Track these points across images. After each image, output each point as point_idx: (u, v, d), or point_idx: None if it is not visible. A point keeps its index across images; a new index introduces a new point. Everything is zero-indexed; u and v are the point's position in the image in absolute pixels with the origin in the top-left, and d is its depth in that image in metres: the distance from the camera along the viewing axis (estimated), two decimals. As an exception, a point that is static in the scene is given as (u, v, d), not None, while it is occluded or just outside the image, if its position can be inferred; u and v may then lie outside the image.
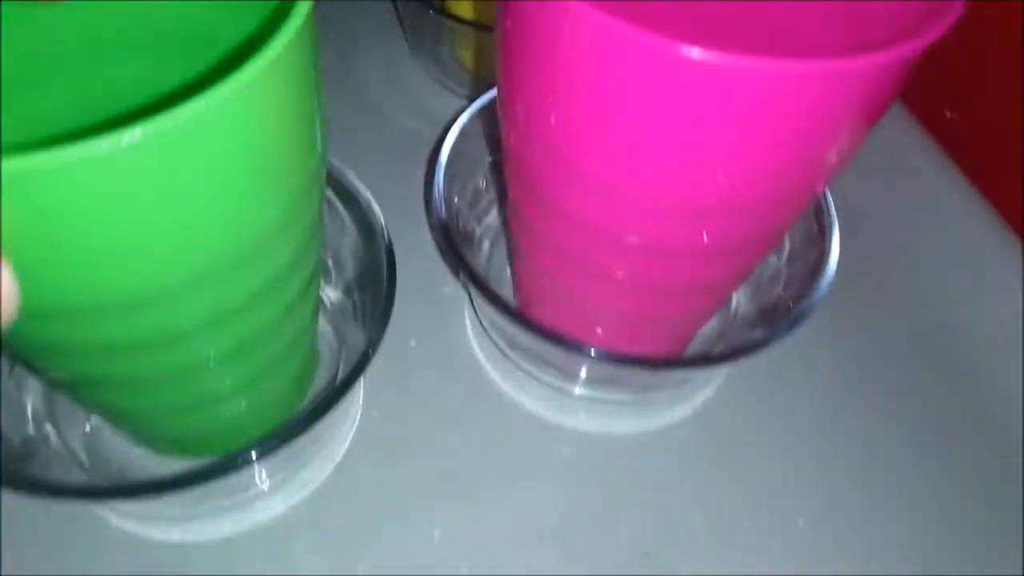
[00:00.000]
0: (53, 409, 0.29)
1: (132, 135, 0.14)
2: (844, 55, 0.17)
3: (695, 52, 0.17)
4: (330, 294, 0.32)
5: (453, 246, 0.28)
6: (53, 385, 0.29)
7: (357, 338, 0.29)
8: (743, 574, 0.29)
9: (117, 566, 0.28)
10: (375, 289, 0.28)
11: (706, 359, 0.28)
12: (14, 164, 0.13)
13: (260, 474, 0.29)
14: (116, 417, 0.27)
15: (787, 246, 0.32)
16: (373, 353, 0.26)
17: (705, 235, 0.23)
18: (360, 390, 0.32)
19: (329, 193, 0.29)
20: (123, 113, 0.24)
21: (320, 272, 0.26)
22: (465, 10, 0.39)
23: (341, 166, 0.28)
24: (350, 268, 0.31)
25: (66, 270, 0.17)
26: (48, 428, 0.29)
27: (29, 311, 0.16)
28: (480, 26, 0.37)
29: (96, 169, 0.14)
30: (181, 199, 0.16)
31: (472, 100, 0.32)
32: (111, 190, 0.15)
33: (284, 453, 0.28)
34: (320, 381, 0.31)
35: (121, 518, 0.29)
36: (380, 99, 0.44)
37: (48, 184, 0.14)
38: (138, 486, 0.24)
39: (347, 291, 0.31)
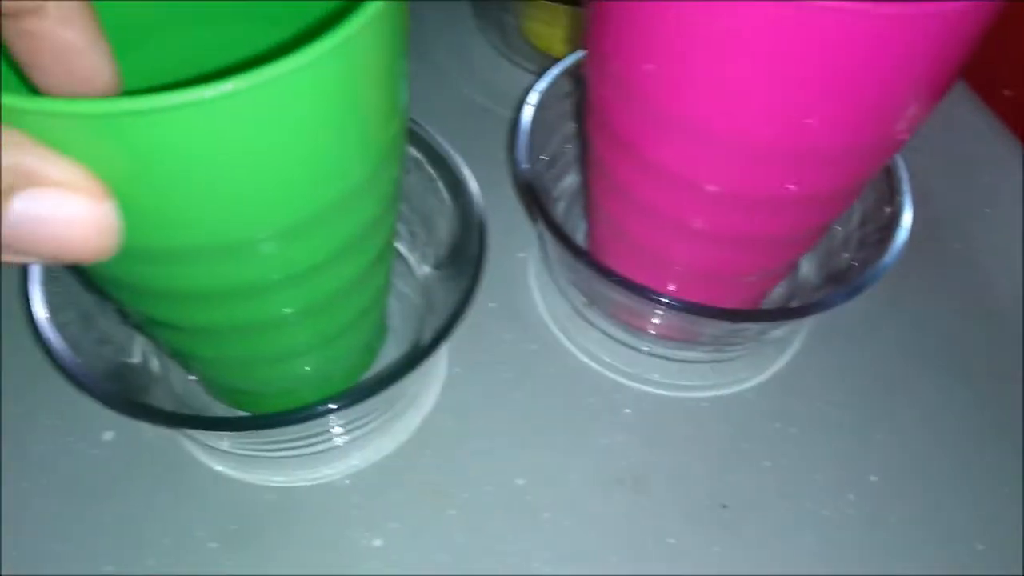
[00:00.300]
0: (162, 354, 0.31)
1: (235, 84, 0.15)
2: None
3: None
4: (418, 263, 0.34)
5: (537, 199, 0.30)
6: (135, 324, 0.30)
7: (445, 303, 0.30)
8: (819, 526, 0.30)
9: (217, 509, 0.30)
10: (464, 258, 0.29)
11: (782, 312, 0.29)
12: (122, 106, 0.14)
13: (354, 423, 0.30)
14: (188, 360, 0.29)
15: (856, 213, 0.33)
16: (462, 315, 0.27)
17: (788, 184, 0.24)
18: (444, 349, 0.34)
19: (424, 161, 0.30)
20: (217, 71, 0.25)
21: (393, 242, 0.27)
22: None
23: (441, 140, 0.30)
24: (440, 237, 0.32)
25: (162, 213, 0.17)
26: (156, 367, 0.30)
27: (125, 251, 0.17)
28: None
29: (198, 115, 0.15)
30: (277, 150, 0.17)
31: (538, 72, 0.33)
32: (211, 137, 0.16)
33: (377, 405, 0.30)
34: (391, 352, 0.33)
35: (222, 463, 0.30)
36: (443, 69, 0.45)
37: (153, 127, 0.15)
38: (228, 421, 0.26)
39: (436, 261, 0.33)
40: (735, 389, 0.33)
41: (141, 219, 0.17)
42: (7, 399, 0.32)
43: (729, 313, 0.28)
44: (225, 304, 0.22)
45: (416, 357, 0.26)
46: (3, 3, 0.16)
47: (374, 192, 0.22)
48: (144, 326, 0.26)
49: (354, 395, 0.25)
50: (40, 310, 0.26)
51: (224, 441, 0.30)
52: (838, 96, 0.21)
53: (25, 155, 0.14)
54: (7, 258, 0.15)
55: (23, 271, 0.27)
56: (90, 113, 0.14)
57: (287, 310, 0.24)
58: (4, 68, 0.20)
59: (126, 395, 0.26)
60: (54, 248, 0.15)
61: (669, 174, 0.25)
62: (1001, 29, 0.25)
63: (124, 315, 0.30)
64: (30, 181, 0.14)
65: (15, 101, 0.14)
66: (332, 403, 0.25)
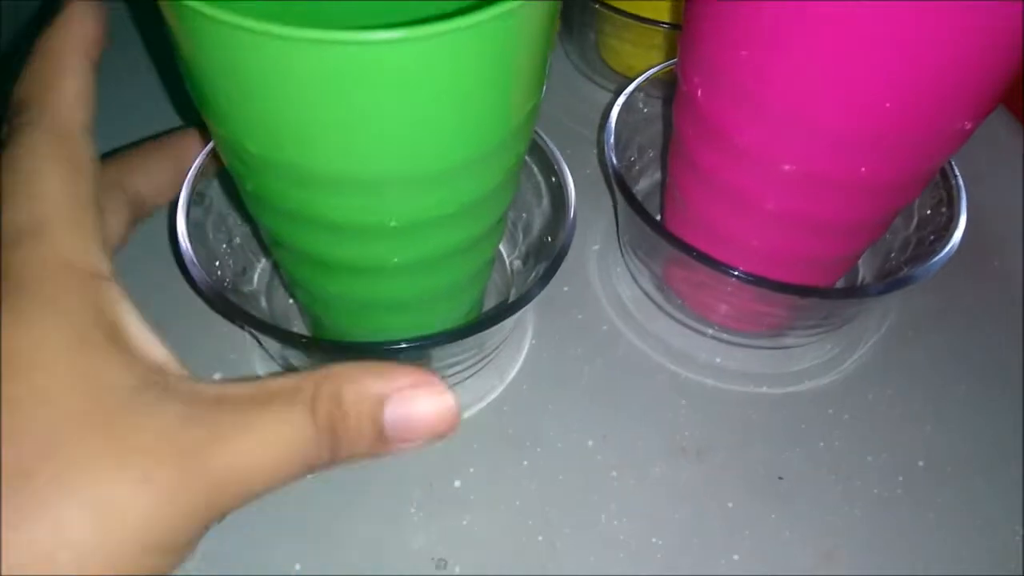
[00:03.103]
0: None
1: (435, 29, 0.17)
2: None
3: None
4: (509, 257, 0.37)
5: (621, 182, 0.33)
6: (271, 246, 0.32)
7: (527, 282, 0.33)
8: (869, 502, 0.32)
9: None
10: (548, 251, 0.32)
11: (843, 291, 0.32)
12: (328, 36, 0.17)
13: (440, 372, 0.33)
14: (305, 293, 0.31)
15: (914, 218, 0.35)
16: (541, 288, 0.30)
17: (861, 168, 0.27)
18: (529, 325, 0.37)
19: (531, 164, 0.34)
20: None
21: (504, 222, 0.30)
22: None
23: (548, 142, 0.33)
24: (532, 234, 0.35)
25: (328, 138, 0.20)
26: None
27: (286, 172, 0.20)
28: (628, 15, 0.42)
29: (392, 54, 0.18)
30: (437, 98, 0.20)
31: (613, 91, 0.36)
32: (389, 76, 0.18)
33: (463, 369, 0.33)
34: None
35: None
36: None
37: (346, 59, 0.18)
38: (309, 341, 0.29)
39: (525, 255, 0.36)
40: (794, 376, 0.36)
41: (308, 141, 0.20)
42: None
43: (795, 288, 0.30)
44: (352, 240, 0.25)
45: (488, 319, 0.29)
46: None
47: (501, 161, 0.24)
48: (278, 250, 0.29)
49: (432, 340, 0.28)
50: (187, 251, 0.29)
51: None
52: (914, 84, 0.23)
53: (387, 374, 0.19)
54: (394, 449, 0.20)
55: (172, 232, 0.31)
56: (301, 38, 0.17)
57: (403, 258, 0.26)
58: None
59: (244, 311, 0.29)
60: (423, 432, 0.20)
61: (753, 157, 0.28)
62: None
63: (258, 239, 0.34)
64: (393, 391, 0.19)
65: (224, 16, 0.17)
66: (408, 343, 0.28)
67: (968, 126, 0.26)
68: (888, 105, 0.24)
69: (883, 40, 0.23)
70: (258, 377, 0.20)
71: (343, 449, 0.19)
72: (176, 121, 0.44)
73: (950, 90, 0.24)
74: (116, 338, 0.19)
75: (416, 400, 0.19)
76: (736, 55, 0.26)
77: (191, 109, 0.23)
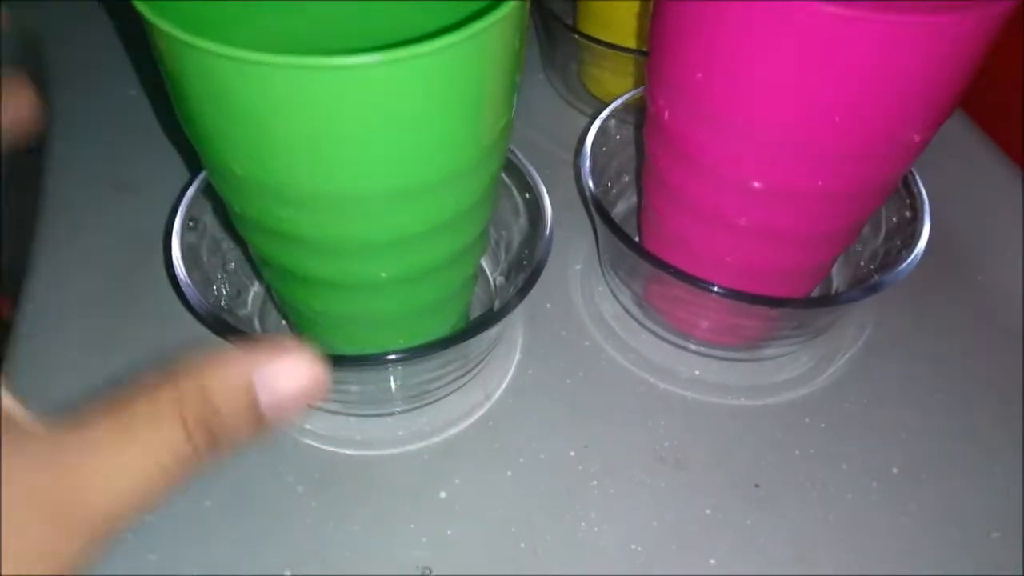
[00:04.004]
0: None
1: (406, 53, 0.19)
2: (955, 11, 0.22)
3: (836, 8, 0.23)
4: (492, 273, 0.39)
5: (600, 205, 0.34)
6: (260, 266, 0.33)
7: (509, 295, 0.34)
8: (843, 508, 0.33)
9: (303, 460, 0.33)
10: (528, 265, 0.33)
11: (816, 300, 0.33)
12: (304, 62, 0.19)
13: (428, 383, 0.34)
14: (294, 311, 0.33)
15: (882, 230, 0.37)
16: (520, 299, 0.31)
17: (818, 180, 0.28)
18: (518, 342, 0.38)
19: (510, 184, 0.35)
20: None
21: (486, 239, 0.31)
22: (597, 30, 0.45)
23: (528, 166, 0.35)
24: (513, 251, 0.37)
25: (306, 157, 0.21)
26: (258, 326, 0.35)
27: (270, 191, 0.21)
28: (607, 44, 0.43)
29: (366, 77, 0.19)
30: (412, 118, 0.21)
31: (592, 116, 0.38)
32: (367, 98, 0.20)
33: (448, 382, 0.34)
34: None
35: (309, 421, 0.34)
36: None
37: (322, 82, 0.19)
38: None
39: (507, 270, 0.37)
40: (772, 388, 0.37)
41: (288, 161, 0.22)
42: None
43: (770, 299, 0.31)
44: (336, 257, 0.27)
45: (470, 329, 0.30)
46: None
47: (478, 177, 0.26)
48: (267, 270, 0.31)
49: (414, 352, 0.29)
50: (181, 273, 0.31)
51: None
52: (859, 98, 0.25)
53: (245, 357, 0.19)
54: (273, 426, 0.20)
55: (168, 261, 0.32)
56: (269, 63, 0.19)
57: (387, 274, 0.28)
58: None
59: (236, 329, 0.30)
60: (297, 403, 0.19)
61: (716, 174, 0.30)
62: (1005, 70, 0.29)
63: (251, 263, 0.35)
64: (257, 372, 0.19)
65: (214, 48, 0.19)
66: (394, 355, 0.29)
67: (917, 138, 0.27)
68: (837, 119, 0.26)
69: (823, 57, 0.24)
70: (112, 395, 0.19)
71: (222, 442, 0.19)
72: (164, 141, 0.46)
73: (895, 103, 0.25)
74: None
75: (284, 376, 0.19)
76: (694, 76, 0.27)
77: (182, 136, 0.25)
